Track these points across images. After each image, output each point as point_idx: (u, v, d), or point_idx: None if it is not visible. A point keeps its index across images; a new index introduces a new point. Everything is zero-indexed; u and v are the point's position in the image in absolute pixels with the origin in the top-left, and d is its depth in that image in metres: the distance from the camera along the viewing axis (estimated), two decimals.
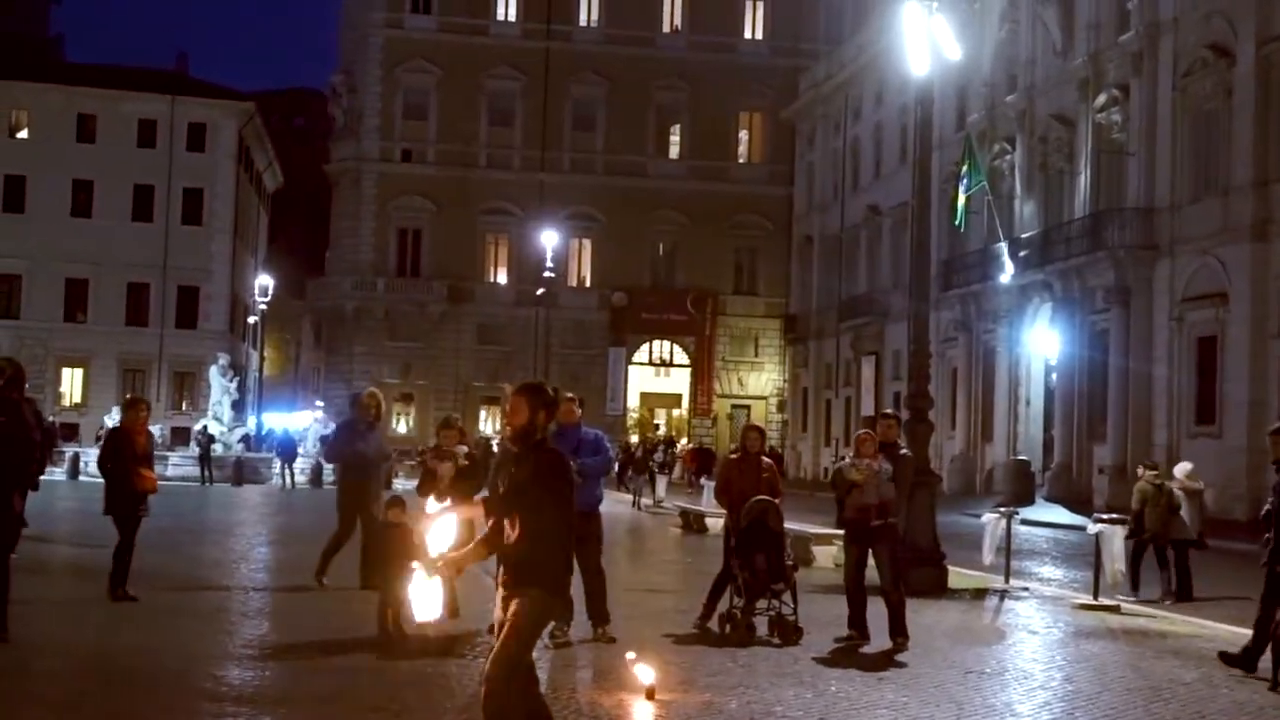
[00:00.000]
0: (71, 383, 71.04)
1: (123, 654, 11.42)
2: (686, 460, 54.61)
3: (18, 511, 11.67)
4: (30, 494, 11.65)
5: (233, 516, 29.35)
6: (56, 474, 39.98)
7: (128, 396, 19.89)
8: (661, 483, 41.55)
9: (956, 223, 44.48)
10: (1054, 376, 48.06)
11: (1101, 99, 45.81)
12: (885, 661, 12.37)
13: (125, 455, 14.00)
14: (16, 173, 70.17)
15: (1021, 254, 46.76)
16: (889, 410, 16.39)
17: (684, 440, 69.41)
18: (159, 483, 14.83)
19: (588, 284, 76.14)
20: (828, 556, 21.35)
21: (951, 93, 53.20)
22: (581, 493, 12.71)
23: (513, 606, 6.82)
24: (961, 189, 42.02)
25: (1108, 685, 11.80)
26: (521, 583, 6.83)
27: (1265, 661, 11.94)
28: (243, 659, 11.43)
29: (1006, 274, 45.90)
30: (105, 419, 49.99)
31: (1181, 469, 20.53)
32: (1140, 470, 19.69)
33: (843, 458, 15.33)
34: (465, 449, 13.38)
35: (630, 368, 76.08)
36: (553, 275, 59.23)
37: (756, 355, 77.47)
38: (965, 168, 42.18)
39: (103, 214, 70.79)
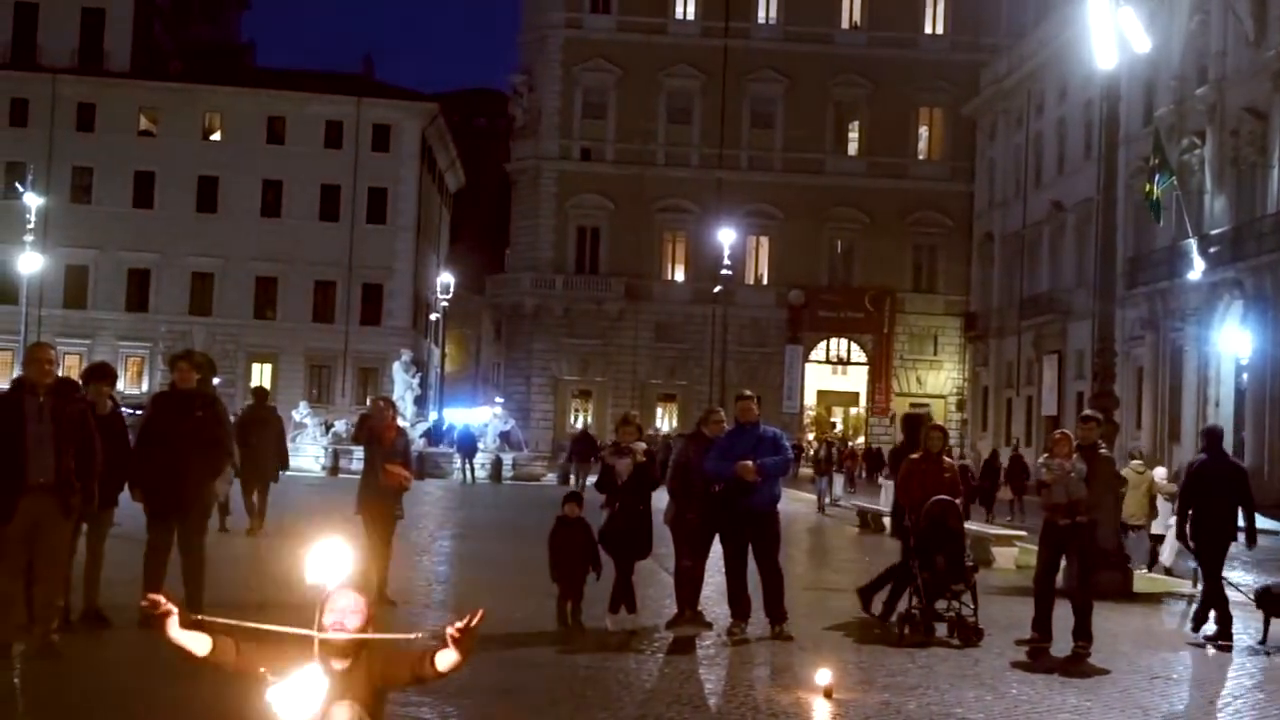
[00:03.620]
0: (261, 377, 72.56)
1: None
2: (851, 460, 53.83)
3: (206, 502, 12.30)
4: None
5: (414, 509, 29.85)
6: None
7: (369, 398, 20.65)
8: (838, 481, 41.28)
9: (1155, 216, 43.56)
10: (1245, 377, 46.72)
11: None
12: (1068, 665, 12.19)
13: (372, 452, 14.62)
14: (210, 174, 72.23)
15: (1211, 250, 45.54)
16: (1089, 412, 16.05)
17: (859, 439, 68.88)
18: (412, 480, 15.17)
19: (765, 282, 75.99)
20: (1008, 557, 21.10)
21: (1138, 86, 52.00)
22: (760, 491, 12.81)
23: None
24: (1156, 183, 41.12)
25: None
26: None
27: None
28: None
29: (1195, 271, 44.73)
30: (293, 414, 51.22)
31: (1159, 473, 22.83)
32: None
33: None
34: (643, 445, 13.45)
35: (807, 366, 75.70)
36: (730, 273, 59.09)
37: (935, 354, 76.58)
38: (1155, 161, 41.28)
39: (291, 213, 72.61)
